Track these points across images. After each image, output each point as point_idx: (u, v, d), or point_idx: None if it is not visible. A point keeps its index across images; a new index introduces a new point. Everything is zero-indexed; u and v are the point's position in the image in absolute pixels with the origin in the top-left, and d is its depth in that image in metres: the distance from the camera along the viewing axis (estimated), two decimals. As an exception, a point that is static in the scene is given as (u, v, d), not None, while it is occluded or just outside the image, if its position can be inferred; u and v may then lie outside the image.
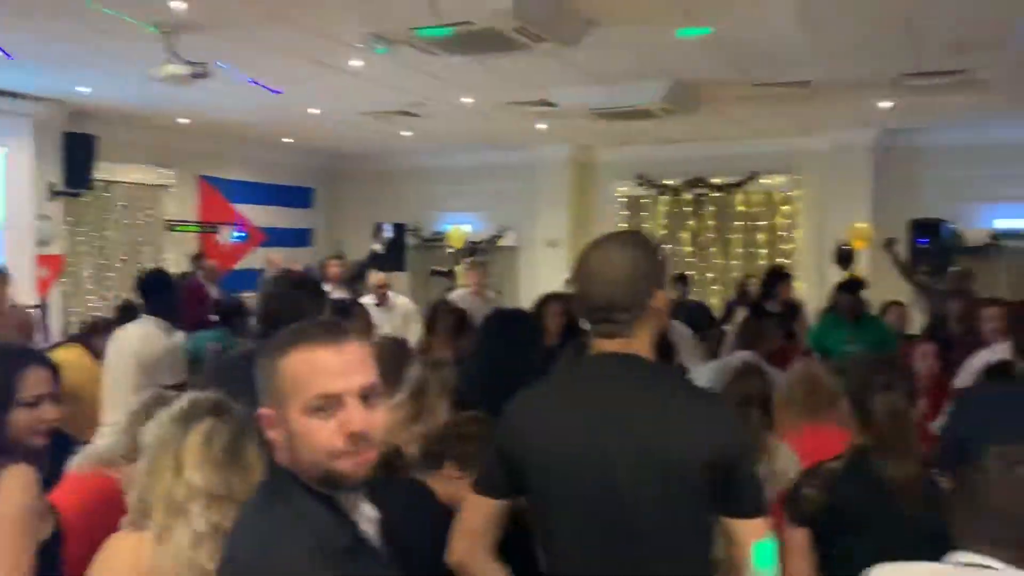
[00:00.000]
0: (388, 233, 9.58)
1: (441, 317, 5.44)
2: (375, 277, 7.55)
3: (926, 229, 9.58)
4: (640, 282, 1.78)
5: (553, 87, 7.66)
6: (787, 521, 2.15)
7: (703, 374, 4.68)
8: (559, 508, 1.78)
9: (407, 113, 8.89)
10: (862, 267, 9.29)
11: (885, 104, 8.24)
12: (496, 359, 3.33)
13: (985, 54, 6.25)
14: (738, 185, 10.90)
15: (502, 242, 11.87)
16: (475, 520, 1.88)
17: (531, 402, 1.88)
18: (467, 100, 8.19)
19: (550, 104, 8.24)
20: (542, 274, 10.65)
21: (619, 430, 1.72)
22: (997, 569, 1.25)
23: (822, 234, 10.16)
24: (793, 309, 7.14)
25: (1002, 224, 9.66)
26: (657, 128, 9.23)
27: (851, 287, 6.18)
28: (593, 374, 1.83)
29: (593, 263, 1.80)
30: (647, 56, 6.55)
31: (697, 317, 7.17)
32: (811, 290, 10.01)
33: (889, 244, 7.57)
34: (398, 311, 7.13)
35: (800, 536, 2.12)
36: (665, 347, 5.45)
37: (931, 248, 9.41)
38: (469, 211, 12.03)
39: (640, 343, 1.79)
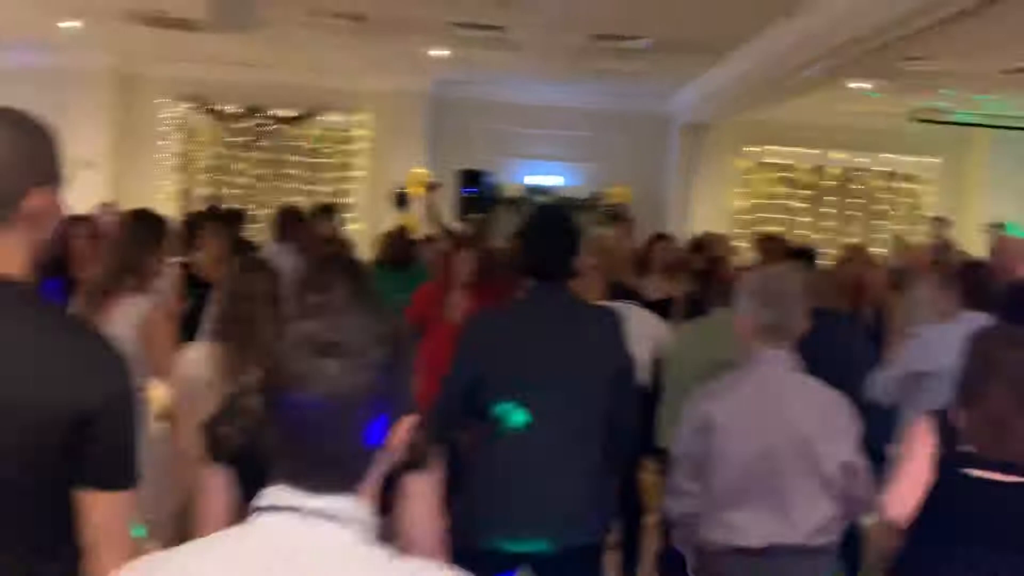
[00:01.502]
0: None
1: None
2: None
3: (472, 179, 10.24)
4: (9, 173, 1.34)
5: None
6: (206, 458, 1.92)
7: None
8: None
9: None
10: (416, 212, 9.64)
11: (439, 52, 8.51)
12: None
13: (522, 14, 6.67)
14: (300, 119, 10.56)
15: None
16: None
17: None
18: (-40, -26, 6.65)
19: (74, -4, 7.06)
20: (74, 197, 9.24)
21: None
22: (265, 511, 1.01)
23: (382, 176, 10.31)
24: (342, 246, 7.06)
25: (533, 180, 10.70)
26: (211, 45, 8.48)
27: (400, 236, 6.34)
28: None
29: None
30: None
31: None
32: (370, 230, 10.15)
33: (431, 188, 7.84)
34: None
35: (218, 475, 1.90)
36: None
37: (474, 197, 10.10)
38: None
39: (5, 257, 1.35)
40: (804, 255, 4.94)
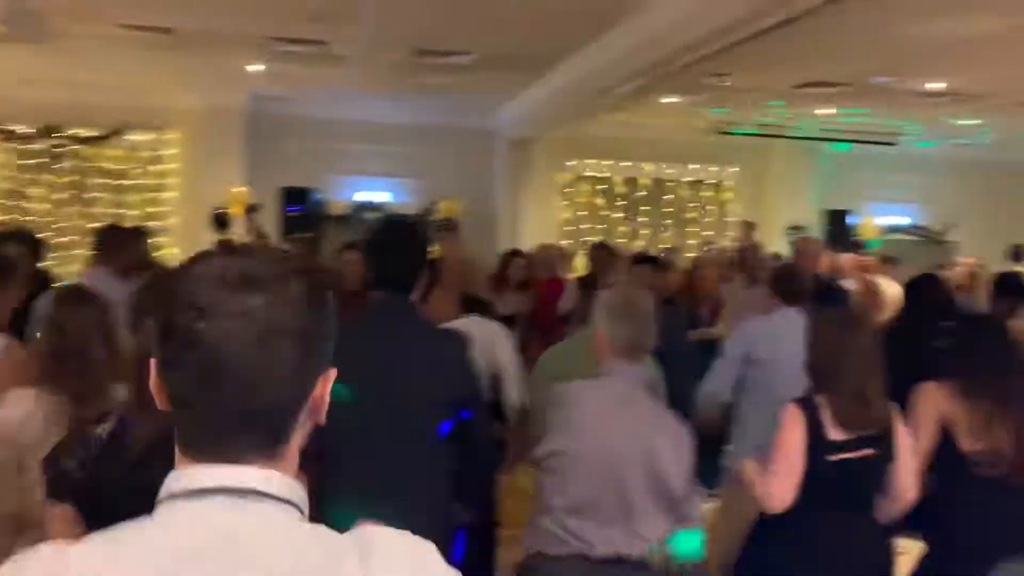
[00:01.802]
0: None
1: None
2: None
3: (296, 197, 9.96)
4: None
5: None
6: (46, 496, 1.77)
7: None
8: None
9: None
10: (238, 232, 9.24)
11: (255, 67, 8.21)
12: None
13: (342, 28, 6.55)
14: (103, 138, 9.86)
15: None
16: None
17: None
18: None
19: None
20: None
21: None
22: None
23: (197, 197, 9.80)
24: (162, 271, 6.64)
25: (362, 196, 10.55)
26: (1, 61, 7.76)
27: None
28: None
29: None
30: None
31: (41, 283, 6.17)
32: (188, 255, 9.60)
33: (250, 211, 7.54)
34: None
35: (61, 513, 1.74)
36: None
37: (300, 215, 9.82)
38: None
39: None
40: (650, 261, 5.14)
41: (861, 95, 8.42)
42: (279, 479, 0.87)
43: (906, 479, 2.64)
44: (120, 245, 4.31)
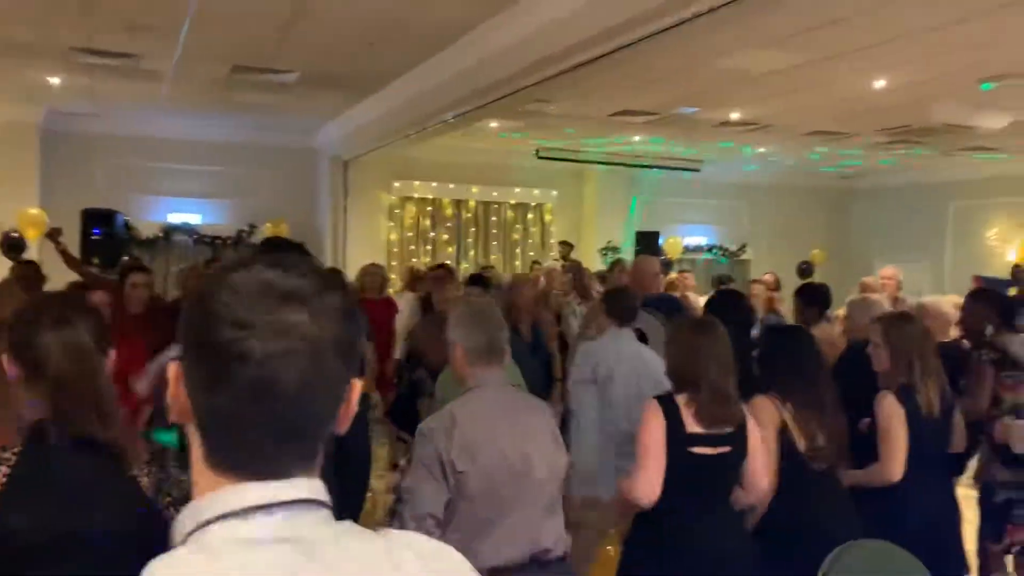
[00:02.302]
0: None
1: None
2: None
3: (99, 219, 9.27)
4: None
5: None
6: None
7: None
8: None
9: None
10: (34, 256, 8.49)
11: (54, 80, 7.62)
12: None
13: (157, 41, 6.23)
14: None
15: None
16: None
17: None
18: None
19: None
20: None
21: None
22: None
23: (-17, 220, 8.91)
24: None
25: (174, 218, 10.01)
26: None
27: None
28: None
29: None
30: None
31: None
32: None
33: (53, 235, 6.97)
34: None
35: None
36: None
37: (104, 239, 9.15)
38: None
39: None
40: (480, 281, 5.23)
41: (668, 123, 9.01)
42: (318, 485, 0.89)
43: (758, 470, 2.86)
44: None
